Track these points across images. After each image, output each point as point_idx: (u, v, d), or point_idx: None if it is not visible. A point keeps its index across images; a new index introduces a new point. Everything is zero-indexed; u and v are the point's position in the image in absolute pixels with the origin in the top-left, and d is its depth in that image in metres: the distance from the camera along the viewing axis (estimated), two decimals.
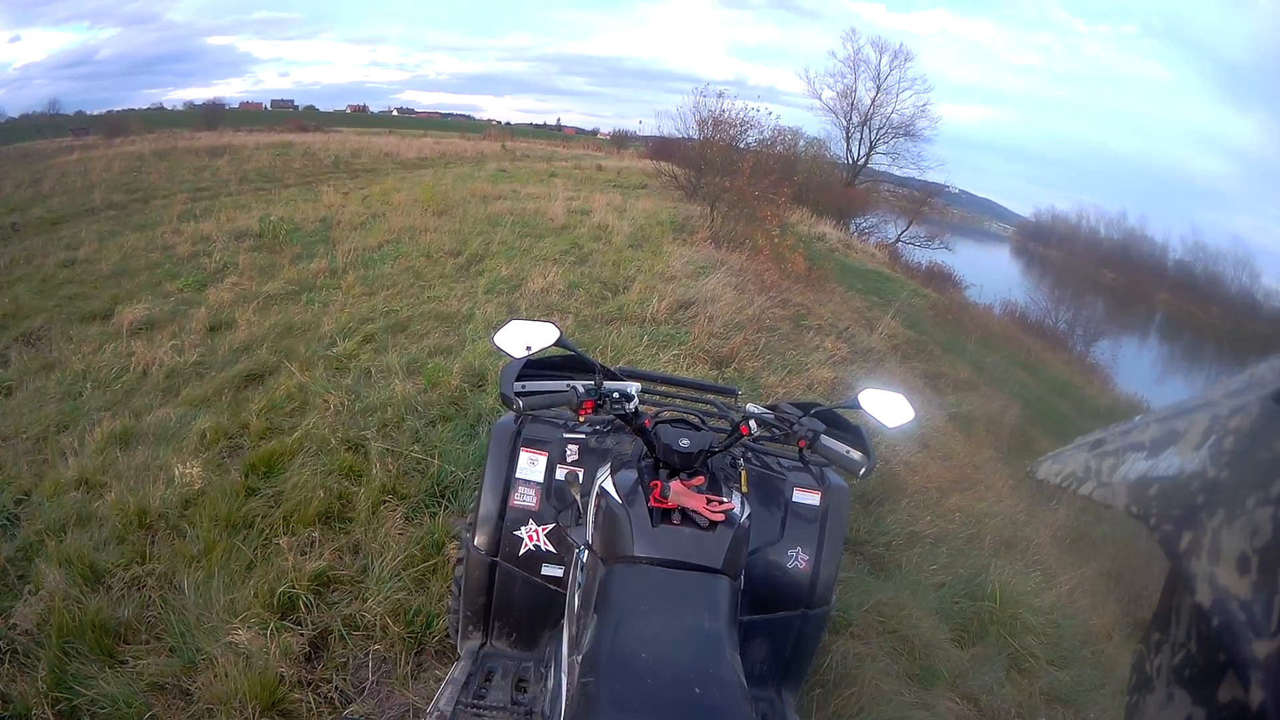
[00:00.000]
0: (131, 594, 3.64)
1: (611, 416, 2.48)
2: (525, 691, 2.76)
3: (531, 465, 2.86)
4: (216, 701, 3.02)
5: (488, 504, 2.85)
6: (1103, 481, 0.73)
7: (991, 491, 6.69)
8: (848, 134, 39.04)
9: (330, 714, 3.09)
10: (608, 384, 2.44)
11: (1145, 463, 0.69)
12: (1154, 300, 35.21)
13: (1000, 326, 23.13)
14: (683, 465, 2.36)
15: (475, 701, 2.66)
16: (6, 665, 3.18)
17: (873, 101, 38.72)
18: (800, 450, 2.47)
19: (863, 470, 2.41)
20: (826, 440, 2.47)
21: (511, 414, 2.91)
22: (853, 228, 33.01)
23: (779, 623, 2.85)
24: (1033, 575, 5.02)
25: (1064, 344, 25.51)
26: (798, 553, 2.84)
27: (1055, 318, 27.70)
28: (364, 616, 3.48)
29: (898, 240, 34.57)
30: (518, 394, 2.36)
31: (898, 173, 38.33)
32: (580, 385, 2.40)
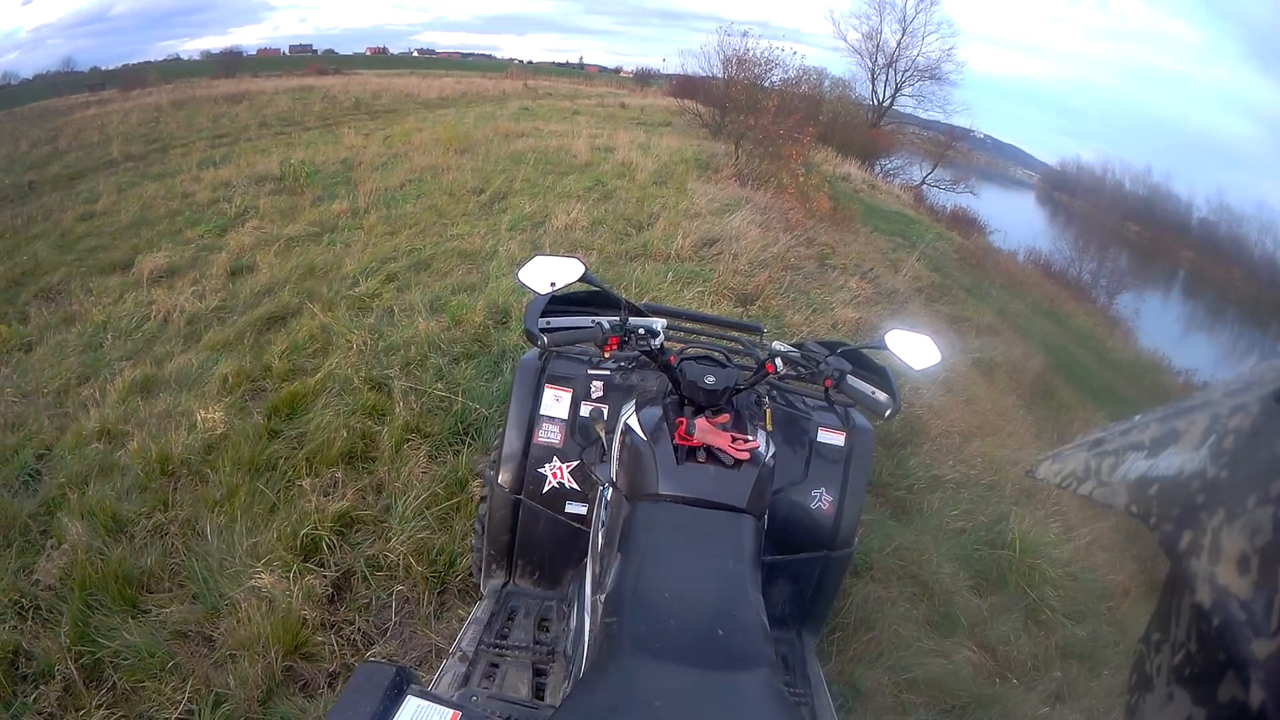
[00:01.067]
0: (154, 542, 3.63)
1: (636, 353, 2.45)
2: (548, 630, 2.74)
3: (556, 402, 2.84)
4: (239, 647, 3.00)
5: (512, 441, 2.83)
6: (1102, 481, 0.73)
7: (1014, 439, 6.59)
8: (873, 76, 38.40)
9: (353, 656, 3.06)
10: (633, 320, 2.37)
11: (1145, 462, 0.69)
12: (1177, 257, 34.59)
13: (1024, 273, 22.80)
14: (708, 402, 2.31)
15: (498, 641, 2.64)
16: (30, 622, 3.17)
17: (898, 44, 38.02)
18: (826, 390, 2.42)
19: (888, 412, 2.40)
20: (852, 380, 2.44)
21: (536, 350, 2.88)
22: (878, 169, 32.57)
23: (802, 564, 2.85)
24: (1052, 526, 4.94)
25: (1087, 294, 25.09)
26: (822, 493, 2.84)
27: (1079, 268, 27.26)
28: (387, 557, 3.45)
29: (922, 183, 34.10)
30: (542, 330, 2.34)
31: (923, 116, 37.74)
32: (605, 321, 2.34)
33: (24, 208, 11.44)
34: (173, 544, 3.60)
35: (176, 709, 2.77)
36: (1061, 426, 8.08)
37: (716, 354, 2.53)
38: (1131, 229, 35.14)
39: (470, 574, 3.31)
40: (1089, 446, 0.78)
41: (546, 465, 2.81)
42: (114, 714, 2.77)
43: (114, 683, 2.91)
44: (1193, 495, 0.60)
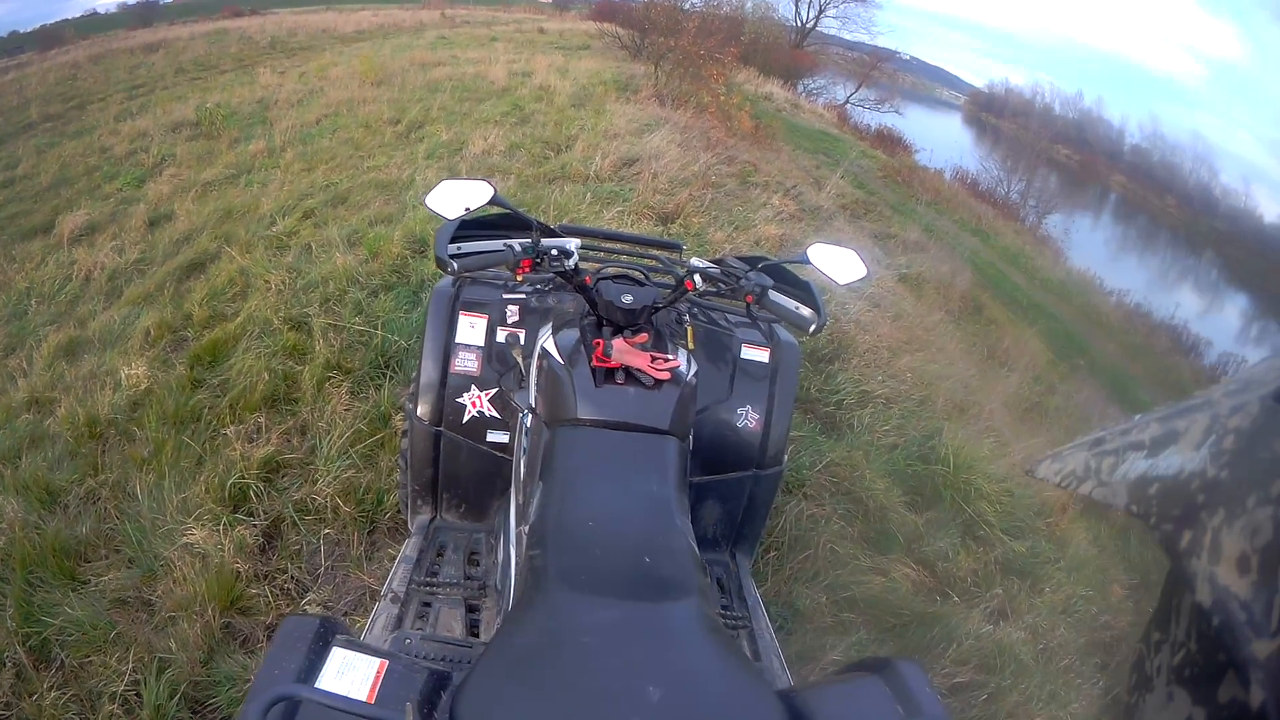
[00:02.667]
0: (88, 509, 3.43)
1: (551, 275, 2.28)
2: (478, 565, 2.59)
3: (471, 329, 2.64)
4: (177, 608, 2.82)
5: (428, 371, 2.64)
6: (1102, 480, 0.72)
7: (943, 354, 6.49)
8: None
9: (288, 606, 2.90)
10: (546, 241, 2.22)
11: (1145, 462, 0.67)
12: (1108, 181, 34.50)
13: (951, 191, 22.30)
14: (626, 322, 2.18)
15: (429, 579, 2.47)
16: None
17: None
18: (748, 306, 2.28)
19: (813, 327, 2.27)
20: (775, 296, 2.31)
21: (450, 278, 2.67)
22: (801, 89, 32.17)
23: (731, 484, 2.72)
24: (986, 441, 4.87)
25: (1015, 214, 24.96)
26: (747, 411, 2.70)
27: (1007, 188, 26.95)
28: (315, 500, 3.27)
29: (846, 102, 33.72)
30: (452, 256, 2.18)
31: (848, 37, 37.24)
32: (517, 244, 2.21)
33: None
34: (105, 508, 3.40)
35: (123, 680, 2.59)
36: (991, 341, 8.10)
37: (635, 273, 2.39)
38: (1061, 151, 34.99)
39: (398, 511, 3.16)
40: (1089, 446, 0.76)
41: (465, 394, 2.63)
42: (65, 694, 2.59)
43: (62, 660, 2.72)
44: (1193, 495, 0.59)
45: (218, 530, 3.07)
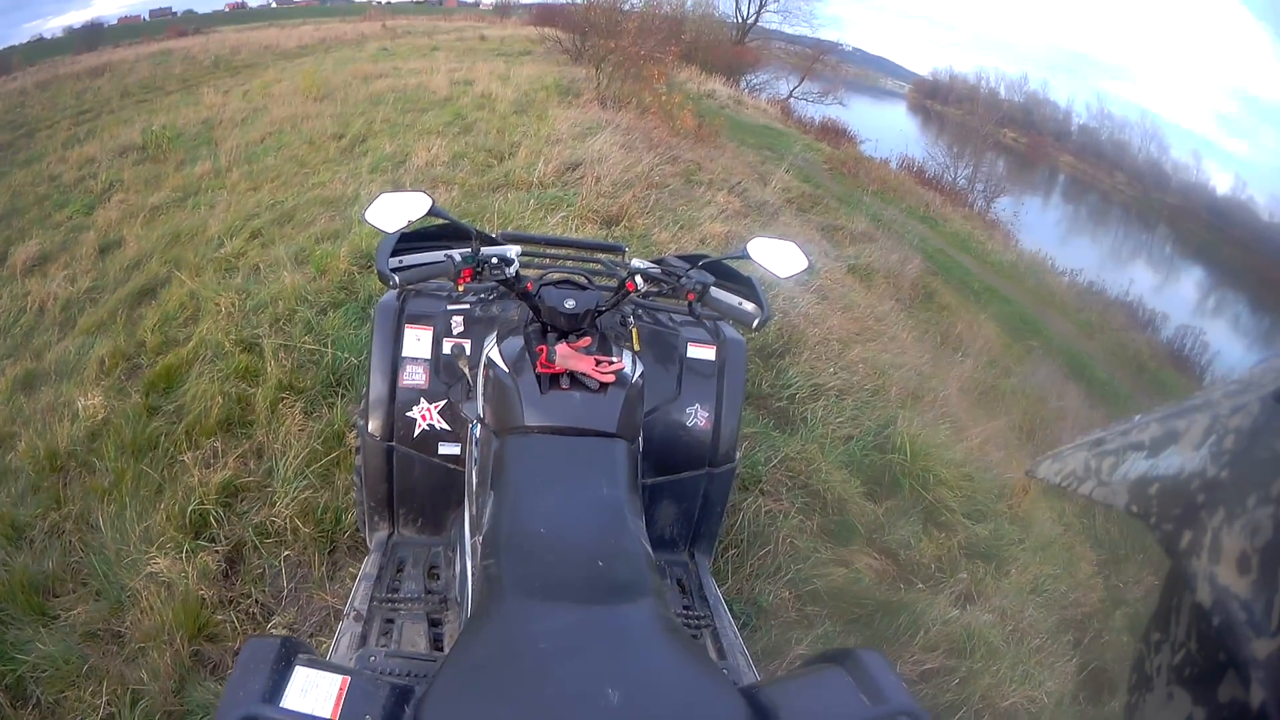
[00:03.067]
0: (53, 543, 3.41)
1: (493, 284, 2.30)
2: (438, 578, 2.59)
3: (417, 342, 2.63)
4: (146, 639, 2.82)
5: (377, 386, 2.62)
6: (1102, 481, 0.70)
7: (895, 343, 6.53)
8: None
9: (254, 630, 2.89)
10: (485, 250, 2.19)
11: (1145, 462, 0.66)
12: (1057, 162, 34.50)
13: (897, 180, 22.10)
14: (570, 327, 2.19)
15: (390, 595, 2.47)
16: None
17: None
18: (690, 304, 2.29)
19: (756, 322, 2.29)
20: (716, 292, 2.31)
21: (394, 292, 2.67)
22: (743, 84, 32.10)
23: (684, 483, 2.71)
24: (942, 428, 4.91)
25: (964, 199, 24.84)
26: (697, 410, 2.69)
27: (954, 174, 26.79)
28: (274, 522, 3.26)
29: (790, 96, 33.66)
30: (393, 269, 2.19)
31: (789, 31, 37.20)
32: (457, 254, 2.17)
33: None
34: (70, 541, 3.38)
35: (98, 714, 2.60)
36: (944, 327, 8.15)
37: (578, 277, 2.40)
38: (1008, 135, 34.93)
39: (357, 529, 3.14)
40: (1089, 446, 0.74)
41: (415, 408, 2.62)
42: None
43: (38, 698, 2.71)
44: (1193, 495, 0.59)
45: (181, 558, 3.06)
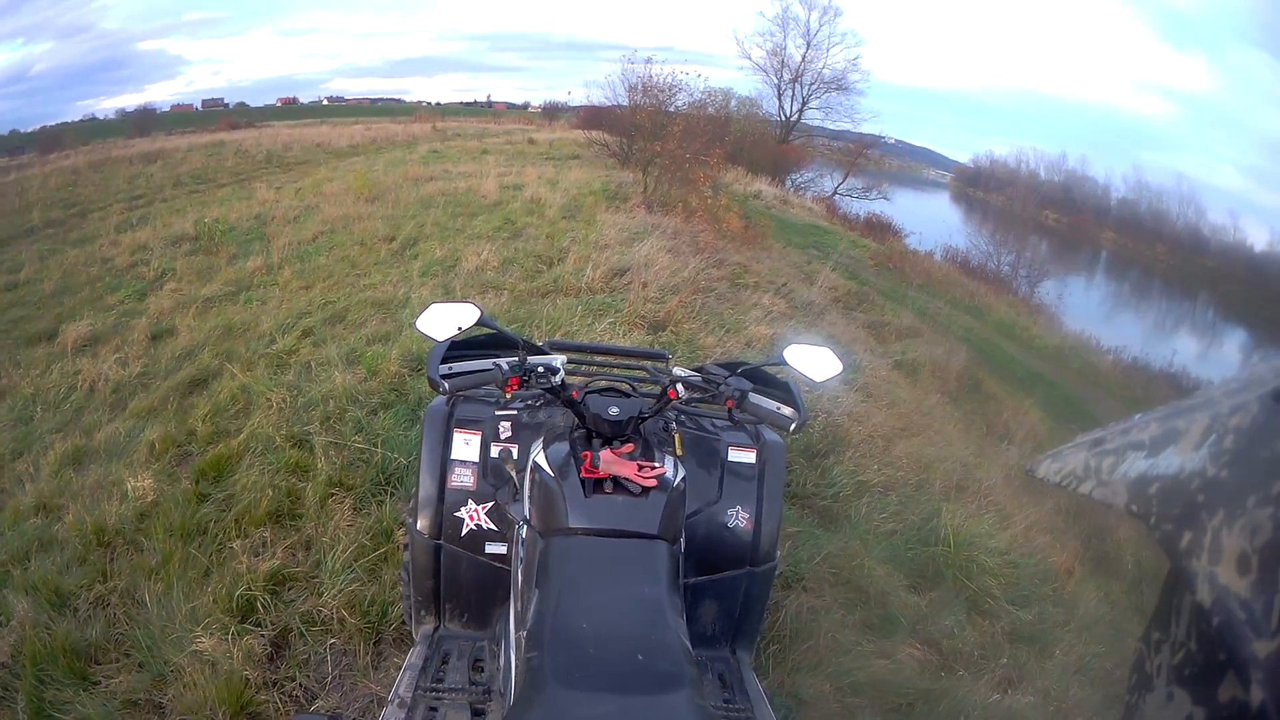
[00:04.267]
0: (97, 613, 3.59)
1: (539, 391, 2.43)
2: (482, 671, 2.72)
3: (466, 445, 2.79)
4: (188, 711, 2.98)
5: (427, 487, 2.79)
6: (1102, 480, 0.73)
7: (940, 436, 6.66)
8: (779, 91, 38.48)
9: (297, 712, 3.05)
10: (532, 359, 2.39)
11: (1145, 461, 0.68)
12: (1098, 239, 34.83)
13: (942, 272, 22.64)
14: (614, 434, 2.33)
15: (434, 685, 2.61)
16: None
17: (803, 58, 38.22)
18: (729, 410, 2.43)
19: (794, 425, 2.43)
20: (755, 398, 2.46)
21: (443, 397, 2.84)
22: (789, 183, 32.64)
23: (726, 582, 2.82)
24: (986, 517, 4.99)
25: (1008, 286, 24.96)
26: (738, 511, 2.79)
27: (998, 261, 26.98)
28: (321, 611, 3.45)
29: (834, 193, 34.12)
30: (444, 376, 2.37)
31: (832, 127, 37.77)
32: (504, 362, 2.35)
33: None
34: (115, 614, 3.56)
35: None
36: (989, 416, 8.23)
37: (622, 385, 2.55)
38: (1049, 217, 35.37)
39: (402, 621, 3.32)
40: (1089, 446, 0.77)
41: (462, 508, 2.78)
42: None
43: None
44: (1193, 495, 0.60)
45: (226, 639, 3.23)
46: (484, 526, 2.77)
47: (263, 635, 3.34)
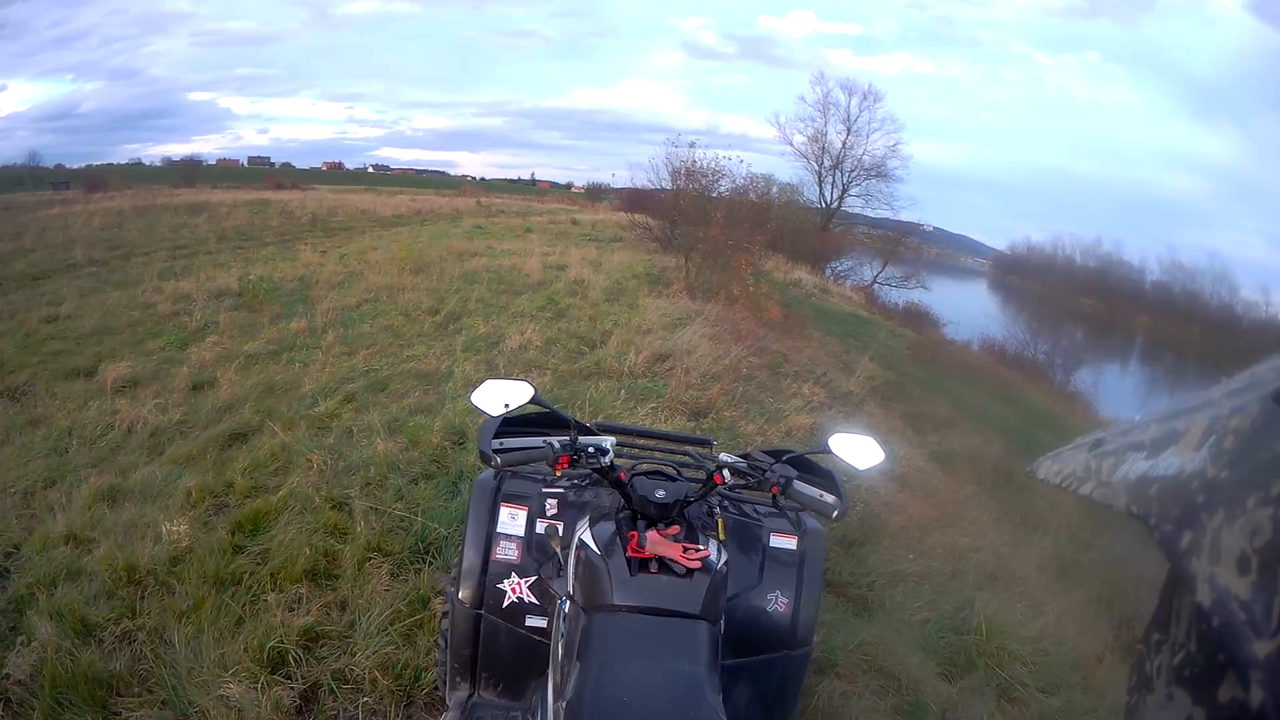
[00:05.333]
0: (123, 647, 3.71)
1: (588, 470, 2.56)
2: None
3: (512, 520, 2.90)
4: None
5: (471, 558, 2.89)
6: (1103, 481, 0.74)
7: (975, 526, 6.73)
8: (820, 178, 39.22)
9: None
10: (583, 439, 2.54)
11: (1145, 463, 0.70)
12: (1133, 324, 35.13)
13: (979, 362, 22.96)
14: (659, 515, 2.42)
15: None
16: (0, 712, 3.27)
17: (844, 144, 38.94)
18: (774, 496, 2.56)
19: (836, 513, 2.52)
20: (799, 485, 2.57)
21: (491, 470, 2.92)
22: (828, 271, 33.05)
23: (762, 665, 2.88)
24: (1019, 606, 5.06)
25: (1044, 375, 24.95)
26: (777, 596, 2.86)
27: (1034, 349, 27.13)
28: (353, 670, 3.57)
29: (874, 282, 34.50)
30: (495, 451, 2.51)
31: (871, 214, 38.41)
32: (556, 441, 2.50)
33: None
34: (141, 650, 3.69)
35: None
36: (1024, 506, 8.24)
37: (667, 468, 2.65)
38: (1085, 303, 35.64)
39: (435, 687, 3.42)
40: (1089, 447, 0.79)
41: (505, 581, 2.87)
42: None
43: None
44: (1193, 495, 0.61)
45: (255, 687, 3.37)
46: (525, 600, 2.87)
47: (292, 688, 3.48)
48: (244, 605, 4.00)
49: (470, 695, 2.99)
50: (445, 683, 3.09)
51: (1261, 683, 0.53)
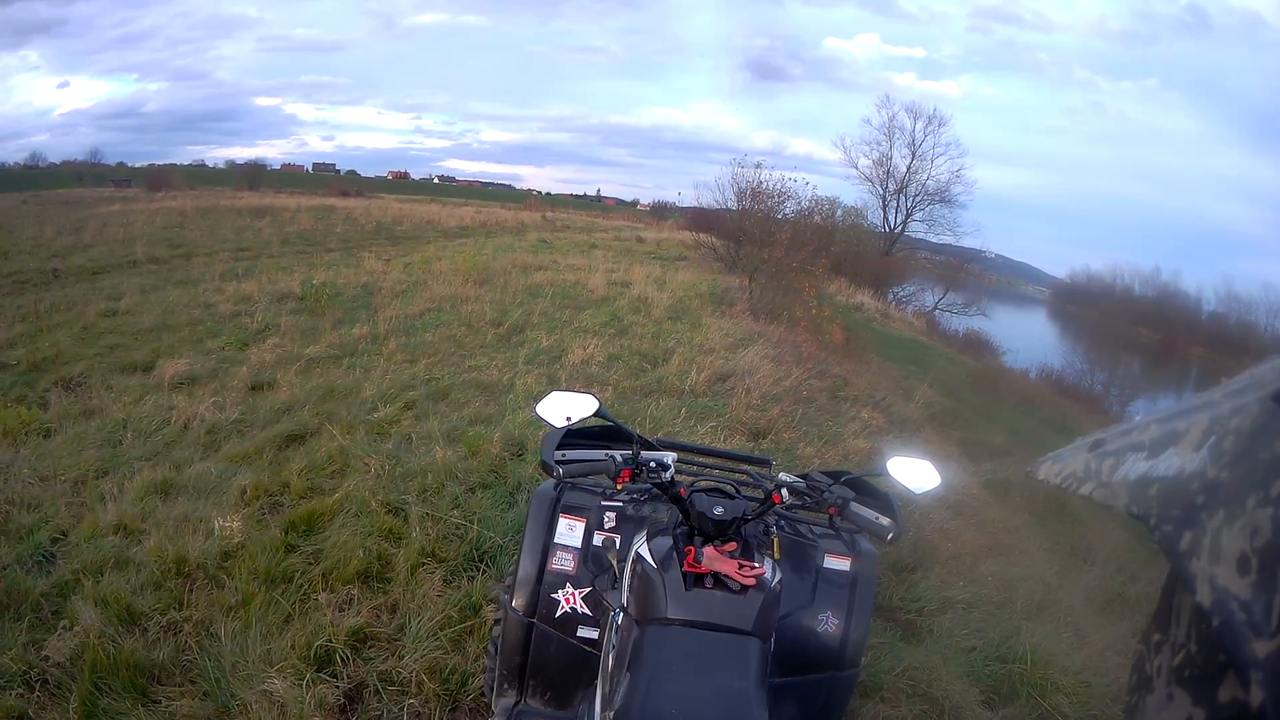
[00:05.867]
0: (167, 638, 3.79)
1: (648, 485, 2.59)
2: None
3: (570, 531, 2.94)
4: None
5: (526, 567, 2.94)
6: (1103, 481, 0.74)
7: (1025, 556, 6.71)
8: (884, 202, 39.42)
9: None
10: (645, 454, 2.57)
11: (1145, 463, 0.70)
12: (1189, 355, 35.02)
13: (1036, 391, 22.99)
14: (717, 532, 2.43)
15: None
16: (37, 693, 3.35)
17: (908, 168, 39.13)
18: (830, 517, 2.56)
19: (890, 535, 2.52)
20: (855, 507, 2.57)
21: (551, 481, 3.00)
22: (890, 296, 33.11)
23: (809, 684, 2.91)
24: (1064, 636, 5.04)
25: (1100, 405, 25.22)
26: (828, 617, 2.90)
27: (1091, 379, 27.68)
28: (400, 673, 3.60)
29: (935, 308, 34.54)
30: (558, 462, 2.54)
31: (934, 239, 38.60)
32: (618, 454, 2.54)
33: (48, 294, 11.99)
34: (186, 642, 3.76)
35: None
36: (1074, 538, 8.13)
37: (726, 486, 2.66)
38: (1142, 334, 35.51)
39: (482, 694, 3.45)
40: (1089, 447, 0.79)
41: (560, 591, 2.91)
42: None
43: None
44: (1193, 496, 0.62)
45: (300, 684, 3.41)
46: (579, 610, 2.92)
47: (337, 686, 3.52)
48: (294, 603, 4.06)
49: (517, 703, 3.02)
50: (493, 689, 3.12)
51: (1261, 683, 0.53)
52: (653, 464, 2.54)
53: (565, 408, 2.50)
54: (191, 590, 4.17)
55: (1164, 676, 0.71)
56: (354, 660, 3.70)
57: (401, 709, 3.47)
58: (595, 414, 2.50)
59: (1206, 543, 0.59)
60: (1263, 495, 0.56)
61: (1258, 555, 0.55)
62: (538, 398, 2.54)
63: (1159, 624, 0.75)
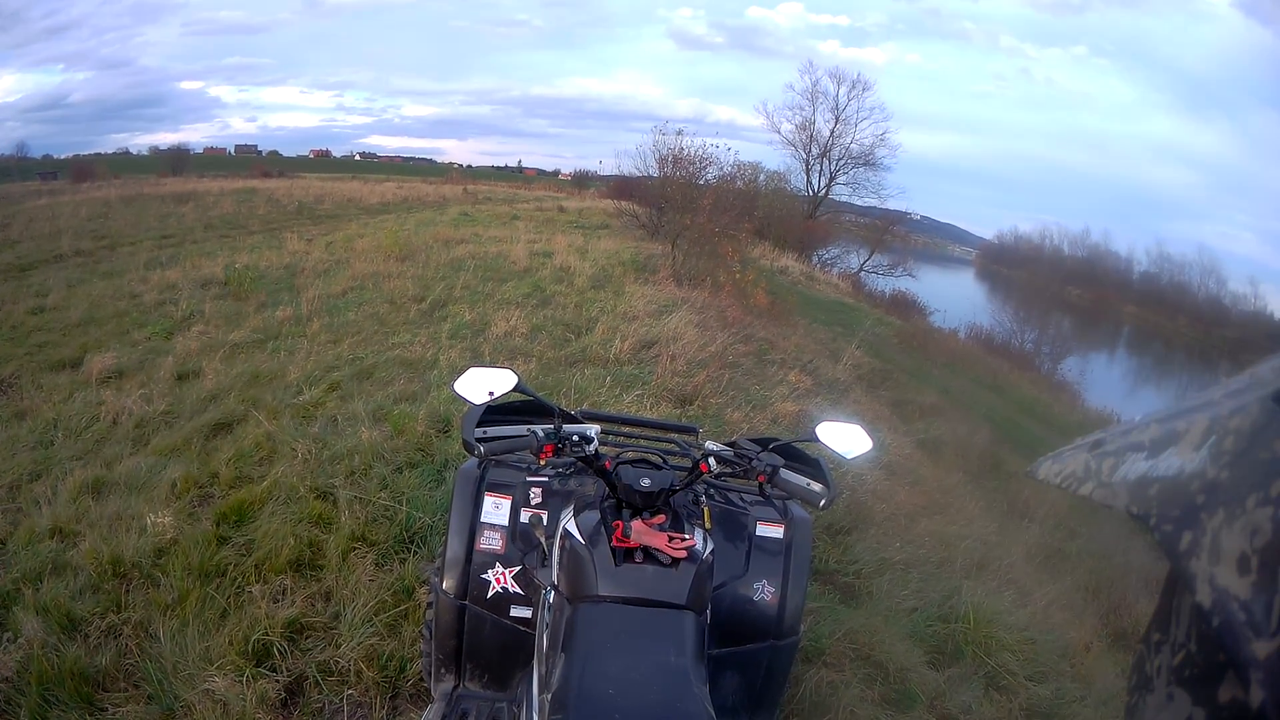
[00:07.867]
0: (109, 642, 3.65)
1: (573, 459, 2.53)
2: None
3: (496, 509, 2.86)
4: None
5: (454, 548, 2.86)
6: (1102, 482, 0.72)
7: (962, 514, 6.75)
8: (807, 166, 39.44)
9: None
10: (567, 427, 2.48)
11: (1145, 463, 0.68)
12: (1121, 314, 35.53)
13: (965, 350, 23.22)
14: (644, 504, 2.39)
15: None
16: None
17: (832, 132, 39.18)
18: (760, 484, 2.51)
19: (823, 501, 2.48)
20: (786, 474, 2.54)
21: (474, 459, 2.90)
22: (815, 260, 33.22)
23: (748, 654, 2.87)
24: (1006, 594, 5.06)
25: (1031, 364, 25.62)
26: (764, 585, 2.85)
27: (1021, 338, 27.88)
28: (338, 662, 3.52)
29: (860, 270, 34.79)
30: (479, 439, 2.44)
31: (859, 203, 38.74)
32: (540, 429, 2.44)
33: None
34: (126, 645, 3.64)
35: None
36: (1011, 494, 8.24)
37: (653, 456, 2.63)
38: (1073, 293, 36.04)
39: (421, 678, 3.38)
40: (1089, 447, 0.77)
41: (489, 571, 2.84)
42: None
43: None
44: (1193, 496, 0.61)
45: (240, 681, 3.31)
46: (510, 590, 2.84)
47: (278, 680, 3.41)
48: (229, 597, 3.93)
49: (455, 686, 2.97)
50: (430, 674, 3.06)
51: (1261, 683, 0.52)
52: (575, 437, 2.45)
53: (484, 384, 2.39)
54: (129, 590, 4.04)
55: (1164, 676, 0.70)
56: (291, 652, 3.59)
57: (342, 699, 3.39)
58: (515, 389, 2.41)
59: (1206, 543, 0.58)
60: (1263, 495, 0.56)
61: (1258, 555, 0.54)
62: (456, 375, 2.45)
63: (1159, 624, 0.73)
